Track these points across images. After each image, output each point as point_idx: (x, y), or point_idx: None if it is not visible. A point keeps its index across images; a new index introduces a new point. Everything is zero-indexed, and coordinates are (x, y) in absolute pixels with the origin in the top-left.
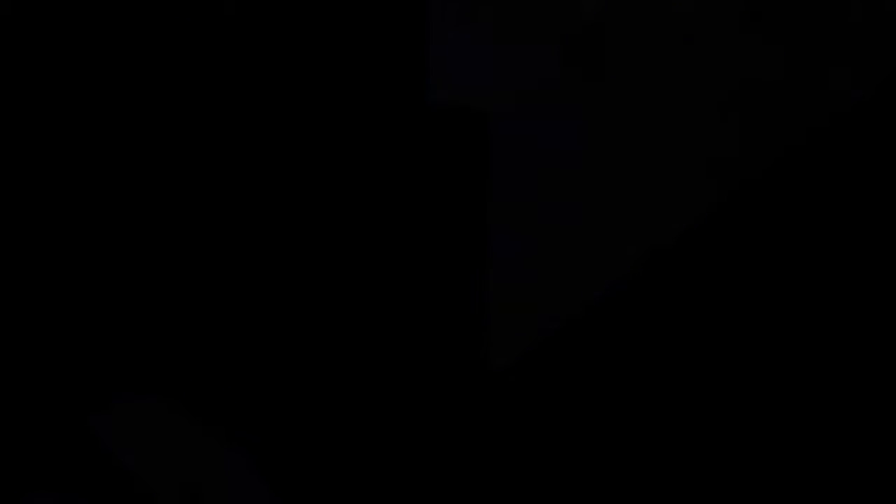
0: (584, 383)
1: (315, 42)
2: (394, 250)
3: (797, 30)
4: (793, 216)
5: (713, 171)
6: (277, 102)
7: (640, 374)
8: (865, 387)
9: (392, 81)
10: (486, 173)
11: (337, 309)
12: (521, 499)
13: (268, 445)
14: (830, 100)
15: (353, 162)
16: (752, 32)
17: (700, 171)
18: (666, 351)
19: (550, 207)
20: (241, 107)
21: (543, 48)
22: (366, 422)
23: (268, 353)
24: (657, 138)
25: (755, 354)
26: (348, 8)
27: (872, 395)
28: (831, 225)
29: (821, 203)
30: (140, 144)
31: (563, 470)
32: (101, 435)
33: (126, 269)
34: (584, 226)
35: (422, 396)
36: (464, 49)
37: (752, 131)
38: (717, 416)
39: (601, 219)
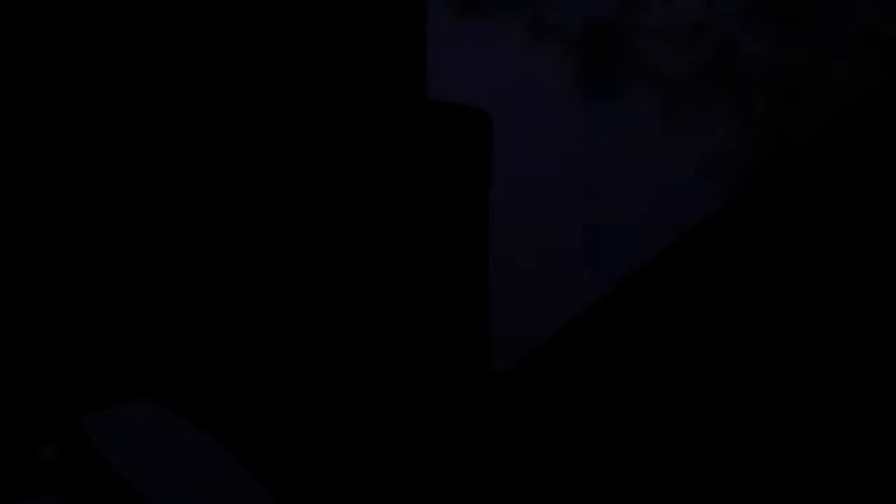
0: (587, 385)
1: (315, 39)
2: (393, 251)
3: (801, 29)
4: (794, 218)
5: (716, 170)
6: (277, 100)
7: (642, 376)
8: (865, 387)
9: (392, 79)
10: (486, 172)
11: (335, 310)
12: (522, 501)
13: (265, 449)
14: (833, 99)
15: (353, 160)
16: (755, 32)
17: (702, 171)
18: (667, 353)
19: (552, 207)
20: (240, 104)
21: (545, 45)
22: (366, 424)
23: (265, 354)
24: (659, 138)
25: (756, 356)
26: (348, 5)
27: (872, 395)
28: (832, 225)
29: (821, 204)
30: (138, 143)
31: (564, 472)
32: (93, 438)
33: (119, 270)
34: (586, 226)
35: (423, 399)
36: (465, 46)
37: (756, 131)
38: (717, 417)
39: (603, 219)
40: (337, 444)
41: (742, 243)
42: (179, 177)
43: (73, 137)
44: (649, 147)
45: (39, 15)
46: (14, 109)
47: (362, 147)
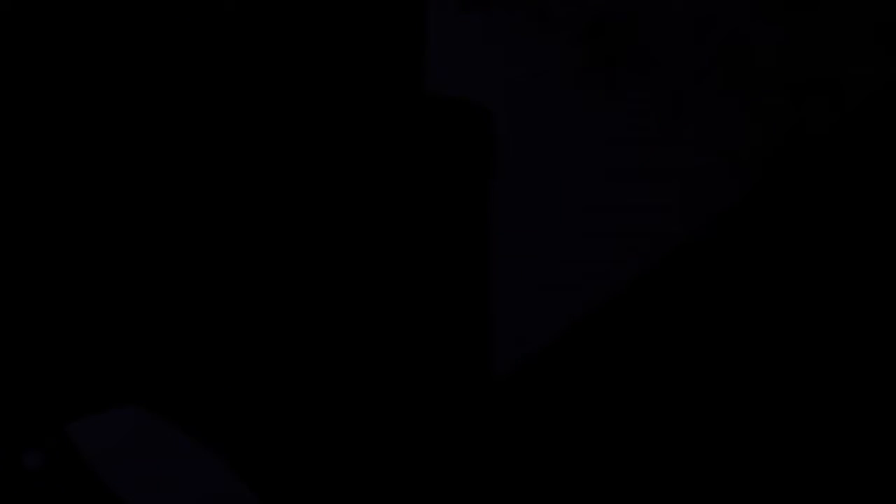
0: (588, 389)
1: (314, 34)
2: (394, 252)
3: (812, 20)
4: (803, 217)
5: (723, 167)
6: (276, 96)
7: (643, 380)
8: (865, 388)
9: (392, 74)
10: (488, 169)
11: (334, 310)
12: (523, 503)
13: (258, 453)
14: (845, 93)
15: (352, 157)
16: (765, 23)
17: (709, 167)
18: (670, 355)
19: (554, 207)
20: (240, 102)
21: (550, 38)
22: (368, 428)
23: (261, 356)
24: (666, 133)
25: (760, 359)
26: (347, 1)
27: (873, 395)
28: (842, 224)
29: (831, 201)
30: (139, 143)
31: (566, 475)
32: (79, 445)
33: (109, 274)
34: (590, 224)
35: (425, 402)
36: (465, 39)
37: (765, 126)
38: (719, 419)
39: (607, 217)
40: (336, 447)
41: (747, 246)
42: (178, 177)
43: (74, 137)
44: (655, 143)
45: (39, 15)
46: (14, 109)
47: (362, 144)
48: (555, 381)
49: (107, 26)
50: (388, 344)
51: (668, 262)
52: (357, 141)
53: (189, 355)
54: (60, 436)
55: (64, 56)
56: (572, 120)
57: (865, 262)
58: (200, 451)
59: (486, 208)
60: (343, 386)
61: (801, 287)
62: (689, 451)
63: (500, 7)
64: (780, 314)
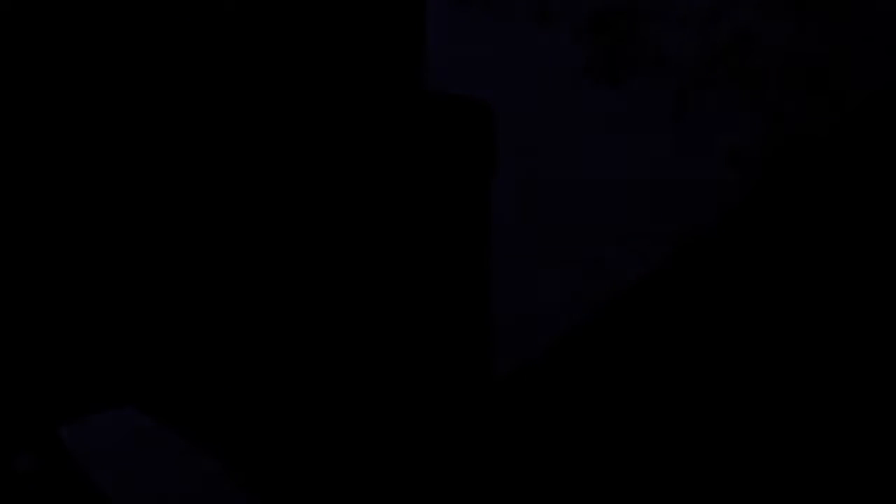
0: (589, 390)
1: (314, 34)
2: (394, 252)
3: (819, 16)
4: (799, 219)
5: (727, 165)
6: (276, 96)
7: (645, 380)
8: (866, 388)
9: (391, 71)
10: (489, 166)
11: (333, 311)
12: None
13: (255, 457)
14: (852, 90)
15: (351, 157)
16: (772, 18)
17: (713, 166)
18: (671, 356)
19: (554, 206)
20: (240, 102)
21: (551, 33)
22: (368, 429)
23: (259, 358)
24: (667, 134)
25: (761, 359)
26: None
27: (873, 395)
28: (837, 226)
29: (836, 200)
30: (138, 143)
31: (566, 476)
32: (71, 448)
33: (104, 274)
34: (589, 227)
35: (426, 403)
36: (466, 36)
37: (770, 123)
38: (720, 419)
39: (609, 215)
40: (336, 448)
41: (751, 245)
42: (175, 177)
43: (73, 137)
44: (657, 141)
45: (39, 15)
46: (14, 109)
47: (362, 143)
48: (555, 382)
49: (107, 26)
50: (388, 345)
51: (669, 263)
52: (356, 140)
53: (184, 356)
54: (53, 438)
55: (63, 56)
56: (573, 117)
57: (866, 262)
58: (195, 453)
59: (486, 208)
60: (343, 387)
61: (803, 287)
62: (690, 452)
63: (501, 3)
64: (781, 314)
